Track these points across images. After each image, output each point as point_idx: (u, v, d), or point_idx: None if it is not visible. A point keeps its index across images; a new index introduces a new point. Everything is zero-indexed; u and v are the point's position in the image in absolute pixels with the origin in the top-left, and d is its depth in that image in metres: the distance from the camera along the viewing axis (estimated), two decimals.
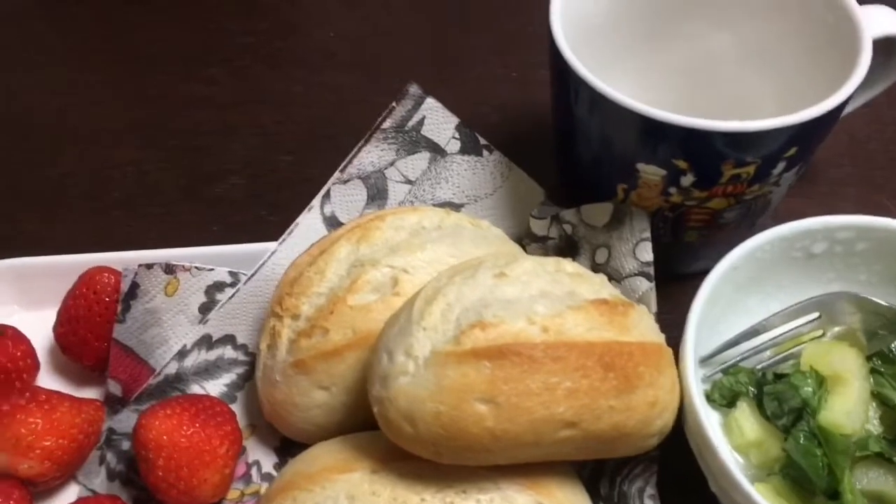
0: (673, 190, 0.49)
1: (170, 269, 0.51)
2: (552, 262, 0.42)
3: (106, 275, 0.50)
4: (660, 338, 0.42)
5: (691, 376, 0.42)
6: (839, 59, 0.49)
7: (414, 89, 0.55)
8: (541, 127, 0.66)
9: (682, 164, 0.47)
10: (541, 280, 0.40)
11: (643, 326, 0.41)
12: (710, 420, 0.42)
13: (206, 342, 0.51)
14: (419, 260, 0.46)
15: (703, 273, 0.46)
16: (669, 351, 0.42)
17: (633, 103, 0.46)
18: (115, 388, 0.49)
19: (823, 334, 0.49)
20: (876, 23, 0.49)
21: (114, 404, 0.49)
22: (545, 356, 0.37)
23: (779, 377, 0.47)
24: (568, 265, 0.43)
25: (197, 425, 0.45)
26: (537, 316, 0.38)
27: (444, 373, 0.37)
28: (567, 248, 0.54)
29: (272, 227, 0.60)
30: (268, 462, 0.49)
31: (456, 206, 0.56)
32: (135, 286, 0.50)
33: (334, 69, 0.71)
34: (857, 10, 0.49)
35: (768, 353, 0.49)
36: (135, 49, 0.73)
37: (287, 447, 0.49)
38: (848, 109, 0.49)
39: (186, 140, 0.66)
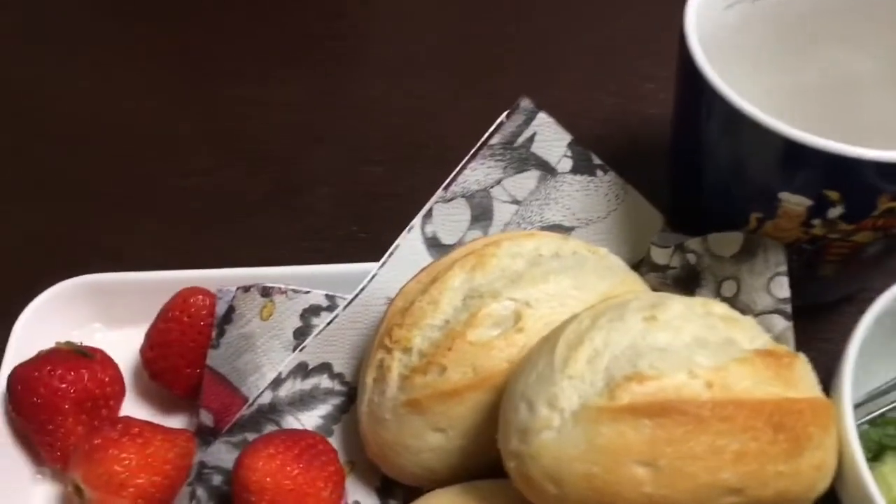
0: (816, 222, 0.45)
1: (266, 291, 0.47)
2: (700, 304, 0.38)
3: (200, 297, 0.46)
4: (820, 391, 0.38)
5: (852, 433, 0.38)
6: None
7: (525, 103, 0.51)
8: (649, 144, 0.62)
9: (833, 195, 0.43)
10: (693, 325, 0.37)
11: (808, 379, 0.37)
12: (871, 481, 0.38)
13: (302, 370, 0.47)
14: (542, 292, 0.43)
15: (831, 303, 0.43)
16: (833, 406, 0.38)
17: (782, 126, 0.41)
18: (206, 419, 0.46)
19: None
20: None
21: (205, 435, 0.46)
22: (712, 415, 0.33)
23: None
24: (717, 307, 0.39)
25: (301, 466, 0.41)
26: (700, 368, 0.34)
27: (598, 430, 0.33)
28: (688, 278, 0.50)
29: (363, 244, 0.57)
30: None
31: (566, 229, 0.52)
32: (231, 310, 0.46)
33: (415, 73, 0.67)
34: None
35: None
36: (212, 52, 0.70)
37: (388, 488, 0.46)
38: None
39: (267, 147, 0.62)
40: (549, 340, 0.38)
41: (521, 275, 0.44)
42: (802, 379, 0.36)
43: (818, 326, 0.51)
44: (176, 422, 0.48)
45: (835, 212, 0.44)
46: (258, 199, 0.60)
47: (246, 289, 0.47)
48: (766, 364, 0.35)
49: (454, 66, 0.68)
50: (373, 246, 0.51)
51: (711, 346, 0.35)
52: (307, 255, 0.56)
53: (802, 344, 0.45)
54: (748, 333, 0.37)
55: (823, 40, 0.53)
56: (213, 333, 0.46)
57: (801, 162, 0.42)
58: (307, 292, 0.48)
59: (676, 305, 0.37)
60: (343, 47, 0.69)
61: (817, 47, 0.53)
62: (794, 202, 0.44)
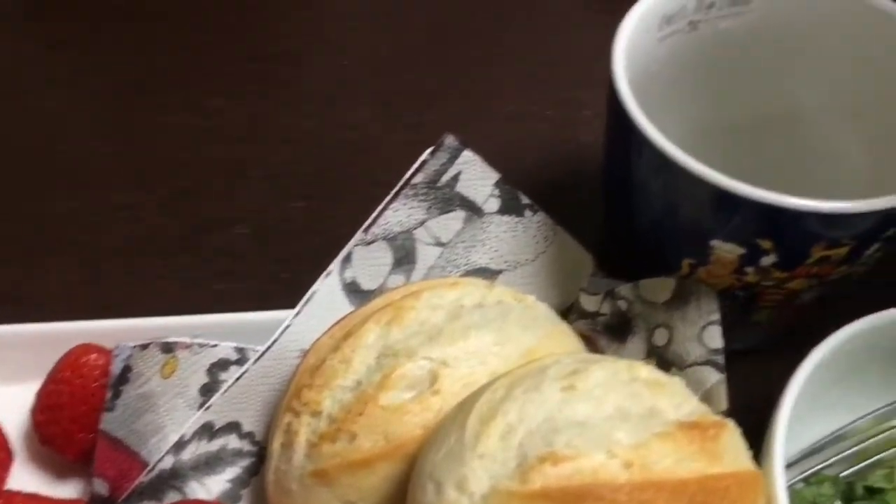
0: (750, 269, 0.43)
1: (167, 347, 0.44)
2: (625, 368, 0.36)
3: (94, 356, 0.43)
4: (750, 460, 0.36)
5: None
6: None
7: (450, 140, 0.49)
8: (583, 176, 0.60)
9: (765, 243, 0.41)
10: (615, 393, 0.34)
11: (735, 449, 0.35)
12: None
13: (208, 431, 0.44)
14: (461, 350, 0.40)
15: (759, 350, 0.41)
16: (761, 475, 0.36)
17: (712, 174, 0.39)
18: (101, 488, 0.43)
19: None
20: None
21: None
22: (630, 500, 0.30)
23: (870, 491, 0.41)
24: (643, 370, 0.36)
25: None
26: (619, 447, 0.32)
27: None
28: (619, 326, 0.47)
29: (283, 286, 0.53)
30: None
31: (493, 273, 0.49)
32: (127, 369, 0.43)
33: (349, 102, 0.64)
34: None
35: (855, 458, 0.43)
36: (128, 75, 0.66)
37: None
38: None
39: (186, 181, 0.59)
40: (463, 410, 0.35)
41: (440, 330, 0.41)
42: (728, 450, 0.34)
43: (754, 372, 0.49)
44: (70, 489, 0.44)
45: (768, 260, 0.42)
46: (173, 237, 0.56)
47: (143, 346, 0.43)
48: (690, 438, 0.33)
49: (389, 97, 0.65)
50: (294, 288, 0.48)
51: (633, 420, 0.33)
52: (221, 299, 0.53)
53: (737, 392, 0.43)
54: (674, 400, 0.35)
55: (764, 73, 0.51)
56: (108, 395, 0.43)
57: (731, 210, 0.40)
58: (214, 345, 0.45)
59: (598, 372, 0.35)
60: (277, 75, 0.66)
61: (758, 80, 0.51)
62: (726, 250, 0.42)
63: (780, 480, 0.37)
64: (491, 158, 0.58)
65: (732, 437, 0.35)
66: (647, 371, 0.36)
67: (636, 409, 0.33)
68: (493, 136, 0.62)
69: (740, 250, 0.42)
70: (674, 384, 0.36)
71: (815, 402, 0.43)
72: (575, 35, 0.67)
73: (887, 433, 0.42)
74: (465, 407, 0.35)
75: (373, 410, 0.38)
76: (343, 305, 0.47)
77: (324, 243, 0.51)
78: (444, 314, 0.42)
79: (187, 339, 0.44)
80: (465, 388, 0.39)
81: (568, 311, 0.49)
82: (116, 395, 0.43)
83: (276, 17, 0.70)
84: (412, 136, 0.59)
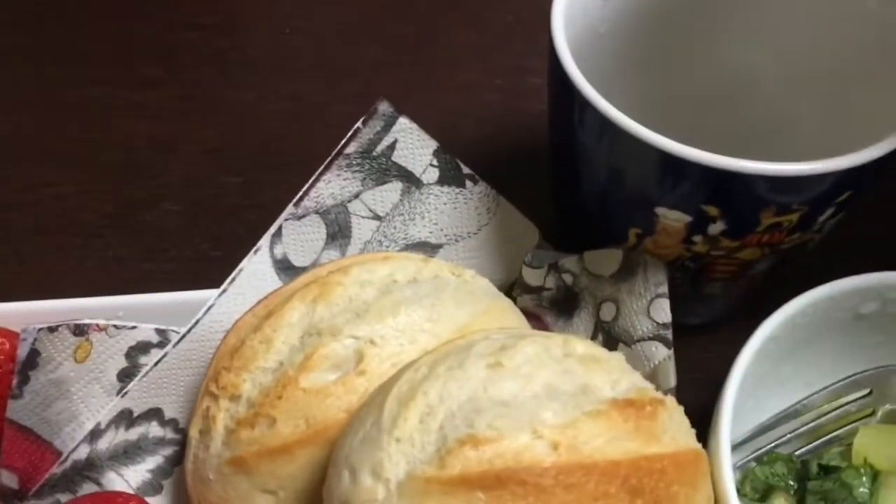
0: (698, 238, 0.40)
1: (80, 329, 0.41)
2: (559, 343, 0.34)
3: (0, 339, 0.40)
4: (692, 438, 0.34)
5: (730, 486, 0.34)
6: None
7: (384, 107, 0.46)
8: (532, 145, 0.58)
9: (712, 210, 0.38)
10: (546, 370, 0.32)
11: (674, 428, 0.32)
12: None
13: (126, 418, 0.41)
14: (389, 328, 0.37)
15: (718, 323, 0.39)
16: (705, 454, 0.34)
17: (655, 137, 0.37)
18: (9, 480, 0.40)
19: (874, 412, 0.41)
20: None
21: (9, 499, 0.40)
22: (556, 483, 0.28)
23: (825, 470, 0.39)
24: (579, 345, 0.34)
25: None
26: (545, 427, 0.29)
27: None
28: (565, 300, 0.45)
29: (215, 264, 0.51)
30: None
31: (433, 247, 0.47)
32: (35, 353, 0.40)
33: (291, 73, 0.61)
34: None
35: (809, 435, 0.41)
36: (53, 45, 0.62)
37: None
38: None
39: (114, 157, 0.56)
40: (383, 391, 0.33)
41: (369, 307, 0.38)
42: (667, 429, 0.31)
43: (708, 347, 0.47)
44: None
45: (716, 228, 0.40)
46: (99, 215, 0.53)
47: (52, 328, 0.40)
48: (625, 416, 0.30)
49: (332, 67, 0.62)
50: (227, 267, 0.45)
51: (563, 398, 0.30)
52: (149, 279, 0.50)
53: (691, 368, 0.41)
54: (610, 377, 0.33)
55: (713, 37, 0.48)
56: (15, 381, 0.40)
57: (675, 175, 0.38)
58: (133, 327, 0.42)
59: (528, 348, 0.32)
60: (215, 45, 0.63)
61: (706, 44, 0.49)
62: (673, 218, 0.40)
63: (725, 459, 0.34)
64: (437, 129, 0.56)
65: (672, 416, 0.33)
66: (584, 346, 0.34)
67: (567, 387, 0.31)
68: (441, 107, 0.60)
69: (687, 218, 0.39)
70: (612, 360, 0.34)
71: (769, 377, 0.41)
72: (526, 1, 0.65)
73: (842, 409, 0.40)
74: (385, 387, 0.33)
75: (293, 393, 0.36)
76: (273, 283, 0.45)
77: (260, 220, 0.48)
78: (375, 290, 0.40)
79: (102, 321, 0.42)
80: (393, 368, 0.36)
81: (513, 287, 0.46)
82: (24, 380, 0.40)
83: None
84: (356, 107, 0.55)
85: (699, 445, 0.34)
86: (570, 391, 0.31)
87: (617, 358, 0.35)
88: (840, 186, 0.38)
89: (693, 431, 0.35)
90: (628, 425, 0.30)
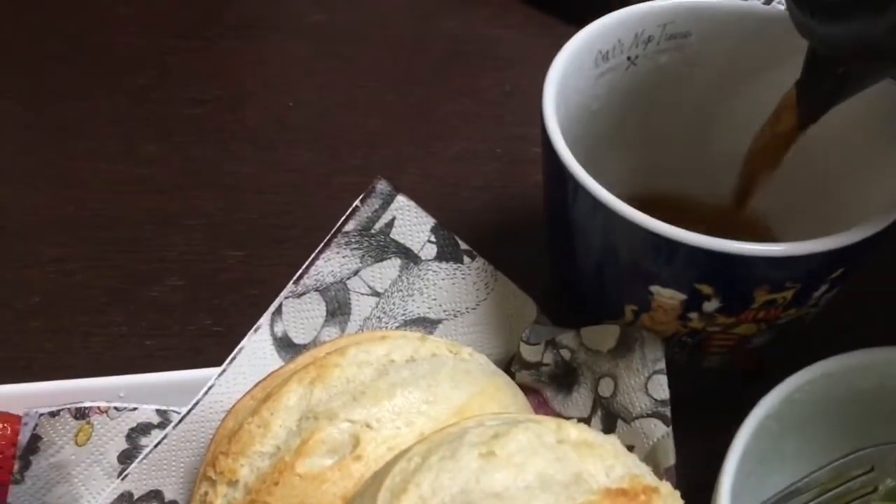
0: (693, 315, 0.41)
1: (81, 413, 0.41)
2: (552, 429, 0.34)
3: (1, 425, 0.40)
4: None
5: None
6: (885, 153, 0.42)
7: (382, 186, 0.47)
8: (531, 214, 0.58)
9: (705, 288, 0.39)
10: (539, 459, 0.32)
11: None
12: None
13: (126, 501, 0.42)
14: (386, 410, 0.38)
15: (720, 396, 0.39)
16: None
17: (646, 219, 0.37)
18: None
19: (875, 489, 0.41)
20: None
21: None
22: None
23: None
24: (573, 430, 0.34)
25: None
26: None
27: None
28: (564, 375, 0.45)
29: (217, 340, 0.51)
30: None
31: (432, 323, 0.47)
32: (35, 438, 0.40)
33: (291, 146, 0.62)
34: None
35: None
36: (58, 120, 0.64)
37: None
38: None
39: (118, 232, 0.57)
40: (375, 481, 0.33)
41: (365, 389, 0.39)
42: None
43: (710, 424, 0.46)
44: None
45: (710, 305, 0.40)
46: (102, 291, 0.54)
47: (54, 413, 0.40)
48: None
49: (332, 140, 0.63)
50: (228, 343, 0.46)
51: (555, 488, 0.30)
52: (152, 355, 0.50)
53: (692, 445, 0.41)
54: (605, 463, 0.33)
55: (707, 108, 0.49)
56: (16, 466, 0.40)
57: (667, 255, 0.38)
58: (134, 409, 0.43)
59: (521, 436, 0.32)
60: (217, 119, 0.64)
61: (701, 115, 0.49)
62: (667, 296, 0.40)
63: None
64: (436, 199, 0.57)
65: (667, 502, 0.32)
66: (578, 431, 0.34)
67: (560, 476, 0.31)
68: (439, 176, 0.61)
69: (681, 296, 0.40)
70: (605, 445, 0.34)
71: (770, 454, 0.41)
72: (524, 71, 0.66)
73: (846, 485, 0.40)
74: (378, 477, 0.33)
75: (289, 479, 0.36)
76: (274, 362, 0.45)
77: (261, 294, 0.49)
78: (372, 371, 0.40)
79: (103, 403, 0.42)
80: (390, 452, 0.36)
81: (512, 361, 0.47)
82: (25, 465, 0.40)
83: (217, 60, 0.69)
84: (356, 179, 0.57)
85: None
86: (563, 481, 0.31)
87: (611, 442, 0.35)
88: (832, 264, 0.38)
89: None
90: None
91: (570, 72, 0.44)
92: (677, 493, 0.34)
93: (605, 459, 0.33)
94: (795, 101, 0.40)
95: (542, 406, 0.45)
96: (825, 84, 0.38)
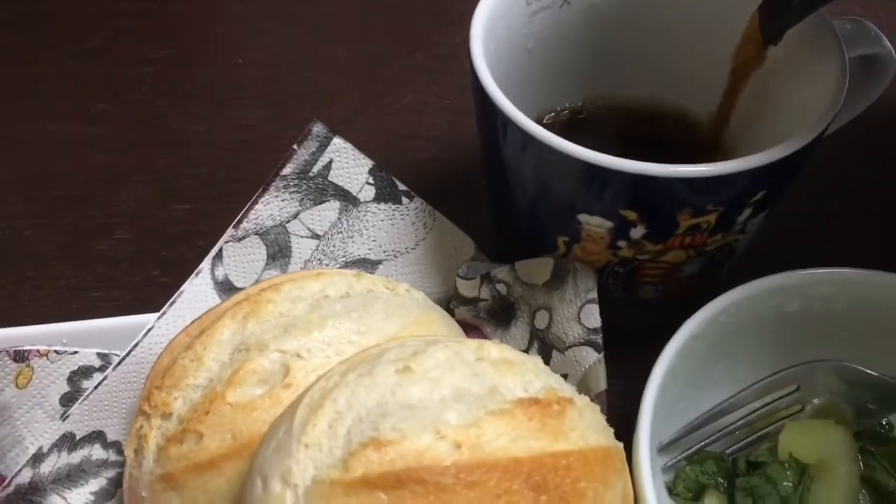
0: (622, 243, 0.41)
1: (20, 355, 0.42)
2: (473, 348, 0.34)
3: None
4: (606, 436, 0.34)
5: (647, 482, 0.34)
6: (810, 80, 0.42)
7: (318, 128, 0.47)
8: (476, 162, 0.59)
9: (630, 215, 0.39)
10: (455, 374, 0.32)
11: (584, 426, 0.33)
12: None
13: (68, 442, 0.42)
14: (316, 341, 0.38)
15: (661, 331, 0.39)
16: (619, 451, 0.35)
17: (566, 145, 0.38)
18: None
19: (802, 409, 0.41)
20: (853, 39, 0.42)
21: None
22: (457, 482, 0.29)
23: (753, 466, 0.40)
24: (494, 349, 0.35)
25: None
26: (448, 427, 0.30)
27: None
28: (502, 310, 0.46)
29: (163, 289, 0.51)
30: None
31: (372, 263, 0.48)
32: None
33: (241, 103, 0.63)
34: (832, 26, 0.42)
35: (740, 432, 0.41)
36: (10, 81, 0.64)
37: None
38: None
39: (68, 189, 0.57)
40: (297, 399, 0.33)
41: (297, 322, 0.39)
42: (575, 427, 0.32)
43: (645, 352, 0.47)
44: None
45: (637, 232, 0.40)
46: (51, 247, 0.54)
47: None
48: (529, 415, 0.31)
49: (283, 96, 0.63)
50: (174, 292, 0.46)
51: (469, 399, 0.31)
52: (99, 306, 0.51)
53: (627, 375, 0.41)
54: (524, 378, 0.33)
55: (640, 51, 0.50)
56: None
57: (591, 182, 0.39)
58: (74, 352, 0.43)
59: (440, 352, 0.33)
60: (169, 78, 0.64)
61: (634, 58, 0.50)
62: (595, 224, 0.41)
63: (643, 456, 0.35)
64: (387, 150, 0.57)
65: (583, 414, 0.33)
66: (498, 350, 0.34)
67: (476, 389, 0.32)
68: (390, 128, 0.61)
69: (608, 224, 0.40)
70: (526, 363, 0.35)
71: (701, 377, 0.42)
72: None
73: (771, 405, 0.41)
74: (300, 397, 0.33)
75: (220, 408, 0.36)
76: (214, 304, 0.45)
77: (208, 245, 0.49)
78: (306, 306, 0.41)
79: (43, 347, 0.42)
80: None
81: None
82: None
83: (168, 20, 0.69)
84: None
85: (616, 444, 0.35)
86: (478, 393, 0.32)
87: (532, 360, 0.35)
88: (752, 186, 0.39)
89: (610, 431, 0.35)
90: (533, 423, 0.31)
91: (501, 9, 0.45)
92: (596, 406, 0.35)
93: (524, 375, 0.34)
94: (758, 26, 0.42)
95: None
96: (780, 7, 0.40)
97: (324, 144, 0.47)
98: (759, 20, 0.42)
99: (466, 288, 0.45)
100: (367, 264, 0.48)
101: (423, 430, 0.30)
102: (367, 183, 0.48)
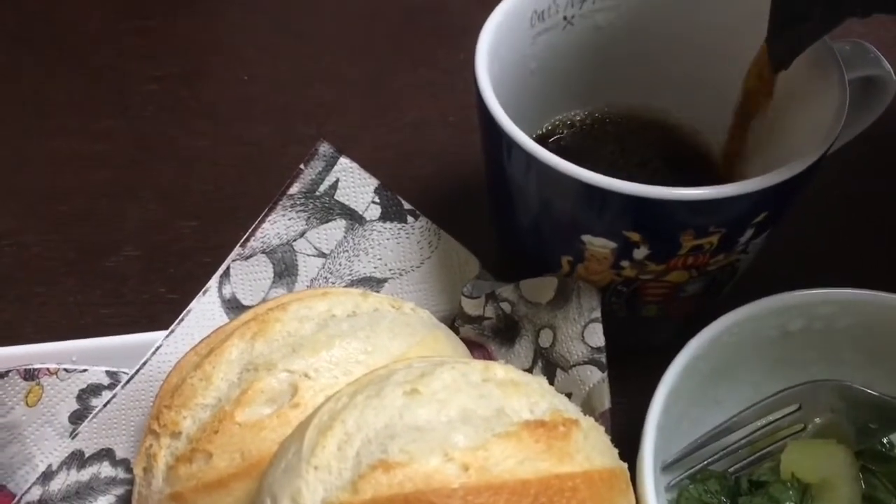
0: (625, 263, 0.42)
1: (30, 374, 0.42)
2: (479, 369, 0.35)
3: None
4: (611, 457, 0.35)
5: (651, 502, 0.35)
6: (811, 102, 0.43)
7: (325, 148, 0.48)
8: (480, 179, 0.59)
9: (633, 236, 0.40)
10: (462, 396, 0.33)
11: (589, 447, 0.33)
12: None
13: (78, 459, 0.43)
14: (324, 360, 0.39)
15: (664, 349, 0.40)
16: (624, 472, 0.35)
17: (570, 168, 0.38)
18: None
19: (804, 428, 0.42)
20: (852, 61, 0.43)
21: None
22: None
23: (755, 485, 0.40)
24: (499, 370, 0.35)
25: None
26: (455, 450, 0.30)
27: None
28: (506, 329, 0.46)
29: (171, 307, 0.52)
30: None
31: (378, 282, 0.48)
32: None
33: (246, 119, 0.63)
34: (832, 49, 0.43)
35: (742, 451, 0.42)
36: (18, 97, 0.64)
37: None
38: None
39: (75, 205, 0.57)
40: (306, 420, 0.34)
41: (305, 341, 0.40)
42: (581, 449, 0.32)
43: (649, 370, 0.48)
44: None
45: (640, 253, 0.41)
46: (59, 263, 0.54)
47: (2, 374, 0.41)
48: (535, 437, 0.31)
49: (287, 112, 0.64)
50: (182, 308, 0.47)
51: (476, 421, 0.32)
52: (107, 323, 0.51)
53: (631, 392, 0.42)
54: (529, 400, 0.34)
55: (642, 68, 0.50)
56: None
57: (595, 204, 0.39)
58: (83, 370, 0.44)
59: (445, 375, 0.33)
60: (170, 95, 0.65)
61: (637, 75, 0.50)
62: (599, 245, 0.41)
63: (647, 476, 0.35)
64: (390, 166, 0.58)
65: (588, 435, 0.34)
66: (504, 371, 0.35)
67: (482, 411, 0.32)
68: (394, 146, 0.62)
69: (612, 244, 0.41)
70: (532, 384, 0.35)
71: (704, 397, 0.43)
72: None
73: (773, 425, 0.41)
74: (309, 418, 0.34)
75: (229, 427, 0.37)
76: (222, 322, 0.46)
77: (215, 262, 0.50)
78: (313, 325, 0.41)
79: (52, 365, 0.43)
80: None
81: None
82: None
83: (175, 37, 0.69)
84: (309, 150, 0.57)
85: (621, 464, 0.35)
86: (485, 415, 0.32)
87: (538, 381, 0.36)
88: (754, 208, 0.39)
89: (615, 451, 0.36)
90: (539, 446, 0.31)
91: (505, 31, 0.45)
92: (601, 427, 0.35)
93: (530, 396, 0.34)
94: (766, 54, 0.42)
95: (486, 359, 0.46)
96: (788, 36, 0.40)
97: (330, 164, 0.48)
98: (767, 48, 0.42)
99: (471, 306, 0.46)
100: (372, 282, 0.48)
101: (432, 452, 0.30)
102: (373, 202, 0.48)
